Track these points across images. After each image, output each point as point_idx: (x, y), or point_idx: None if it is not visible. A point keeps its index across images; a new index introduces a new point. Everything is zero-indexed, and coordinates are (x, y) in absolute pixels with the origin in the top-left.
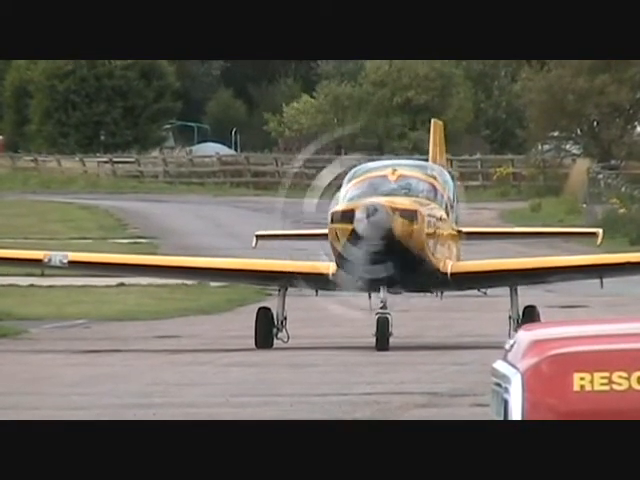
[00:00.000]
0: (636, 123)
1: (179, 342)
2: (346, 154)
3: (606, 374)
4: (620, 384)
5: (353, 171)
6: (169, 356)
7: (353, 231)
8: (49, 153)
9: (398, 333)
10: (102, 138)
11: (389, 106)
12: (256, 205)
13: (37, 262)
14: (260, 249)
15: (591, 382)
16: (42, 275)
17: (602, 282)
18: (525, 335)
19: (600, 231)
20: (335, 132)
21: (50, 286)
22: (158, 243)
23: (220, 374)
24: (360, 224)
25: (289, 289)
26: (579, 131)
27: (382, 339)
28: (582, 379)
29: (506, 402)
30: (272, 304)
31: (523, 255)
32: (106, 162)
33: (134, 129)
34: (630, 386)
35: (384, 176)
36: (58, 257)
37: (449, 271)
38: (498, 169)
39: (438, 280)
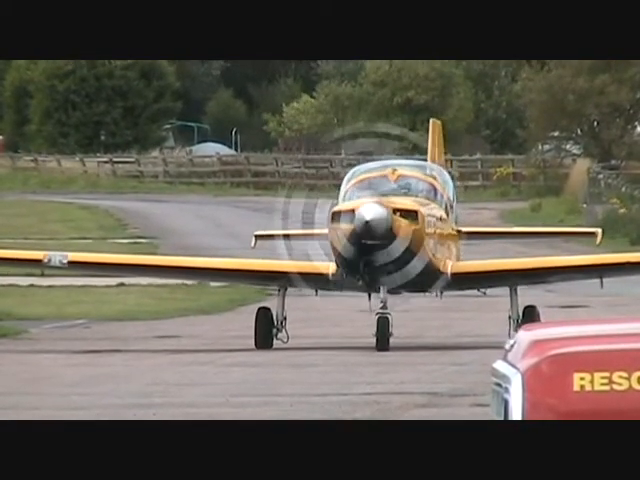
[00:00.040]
0: (636, 123)
1: (179, 342)
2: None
3: (606, 374)
4: (620, 384)
5: (353, 171)
6: (169, 356)
7: (353, 231)
8: (49, 153)
9: (398, 333)
10: (102, 138)
11: (389, 106)
12: (256, 205)
13: (37, 262)
14: (261, 249)
15: (591, 382)
16: (42, 275)
17: (602, 282)
18: (525, 335)
19: (599, 231)
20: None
21: (50, 286)
22: (158, 243)
23: (220, 374)
24: (360, 224)
25: (289, 289)
26: (579, 131)
27: (382, 339)
28: (582, 379)
29: (506, 402)
30: (272, 304)
31: (523, 255)
32: (106, 162)
33: (134, 129)
34: (630, 386)
35: (384, 176)
36: (58, 257)
37: (449, 271)
38: (498, 169)
39: (438, 280)
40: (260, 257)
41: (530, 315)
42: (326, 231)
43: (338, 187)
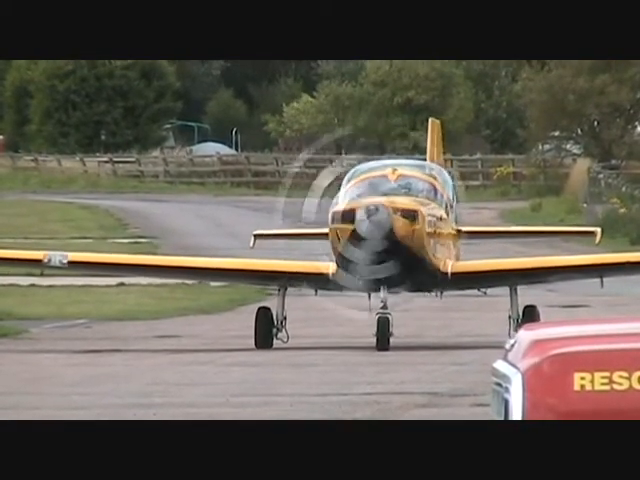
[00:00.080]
0: (636, 123)
1: (179, 342)
2: (346, 154)
3: (607, 374)
4: (621, 384)
5: (352, 171)
6: (169, 356)
7: (354, 231)
8: (49, 153)
9: (398, 333)
10: (102, 138)
11: (389, 106)
12: (256, 205)
13: (37, 262)
14: (262, 249)
15: (591, 382)
16: (41, 275)
17: (602, 282)
18: (526, 335)
19: (598, 230)
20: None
21: (50, 286)
22: (158, 243)
23: (220, 374)
24: (361, 224)
25: (290, 289)
26: (579, 131)
27: (383, 339)
28: (583, 379)
29: (507, 402)
30: (272, 304)
31: (523, 255)
32: (106, 162)
33: (134, 129)
34: (631, 386)
35: (384, 176)
36: (58, 257)
37: (449, 271)
38: (498, 169)
39: (438, 280)
40: (260, 257)
41: (530, 315)
42: (325, 230)
43: (338, 187)
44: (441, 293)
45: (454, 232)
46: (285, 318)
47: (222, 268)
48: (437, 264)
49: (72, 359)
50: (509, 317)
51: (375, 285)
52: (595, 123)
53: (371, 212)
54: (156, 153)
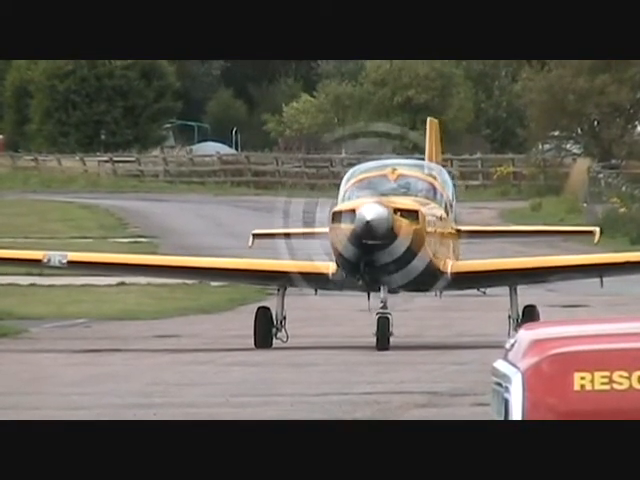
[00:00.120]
0: (636, 123)
1: (179, 342)
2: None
3: (606, 373)
4: (620, 383)
5: (352, 171)
6: (169, 355)
7: (354, 231)
8: (49, 152)
9: (398, 333)
10: (102, 137)
11: (389, 105)
12: (256, 204)
13: (36, 262)
14: (262, 249)
15: (591, 381)
16: (40, 274)
17: (602, 281)
18: (526, 334)
19: (597, 229)
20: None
21: (50, 285)
22: (158, 242)
23: (220, 374)
24: (361, 224)
25: (290, 288)
26: (579, 131)
27: (382, 339)
28: (583, 378)
29: (507, 401)
30: (272, 304)
31: (523, 255)
32: (106, 161)
33: (134, 128)
34: (631, 385)
35: (384, 175)
36: (57, 257)
37: (449, 271)
38: (499, 168)
39: (438, 280)
40: (260, 257)
41: (530, 314)
42: (324, 230)
43: (338, 186)
44: (440, 293)
45: (454, 232)
46: (284, 318)
47: (222, 268)
48: (437, 264)
49: (72, 359)
50: (509, 317)
51: (375, 285)
52: (595, 123)
53: (372, 212)
54: (156, 153)
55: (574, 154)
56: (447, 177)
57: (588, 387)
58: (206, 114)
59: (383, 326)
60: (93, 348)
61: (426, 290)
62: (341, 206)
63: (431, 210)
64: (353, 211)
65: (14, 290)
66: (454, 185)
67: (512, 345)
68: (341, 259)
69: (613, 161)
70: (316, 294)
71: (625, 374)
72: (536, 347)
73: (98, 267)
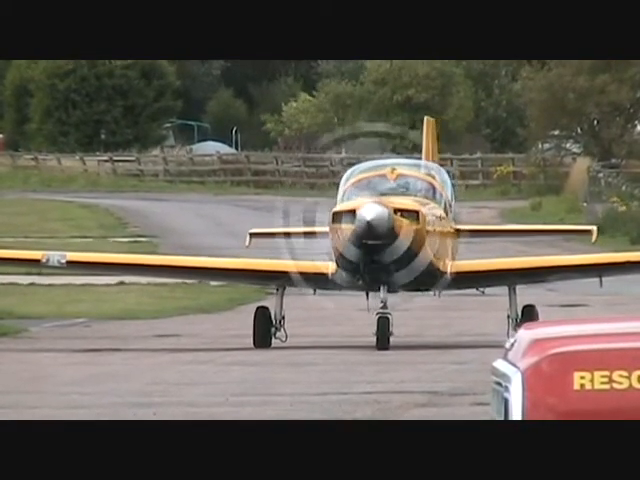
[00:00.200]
0: (636, 122)
1: (179, 341)
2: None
3: (606, 373)
4: (620, 383)
5: (351, 170)
6: (169, 355)
7: (354, 231)
8: (49, 152)
9: (398, 332)
10: (102, 137)
11: (389, 105)
12: (256, 204)
13: (35, 262)
14: (262, 249)
15: (591, 381)
16: (39, 274)
17: (601, 281)
18: (526, 334)
19: (595, 228)
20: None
21: (50, 285)
22: (158, 242)
23: (220, 373)
24: (361, 224)
25: (290, 288)
26: (579, 130)
27: (382, 338)
28: (582, 378)
29: (506, 401)
30: (271, 303)
31: (523, 254)
32: (106, 161)
33: (134, 128)
34: (630, 385)
35: (383, 175)
36: (56, 257)
37: (449, 270)
38: (498, 168)
39: (438, 279)
40: (260, 256)
41: (529, 314)
42: (322, 229)
43: (337, 186)
44: (439, 292)
45: (453, 231)
46: (283, 317)
47: (222, 268)
48: (437, 264)
49: (72, 358)
50: (508, 316)
51: (375, 285)
52: (595, 122)
53: (372, 212)
54: (156, 152)
55: (574, 153)
56: (446, 176)
57: (588, 386)
58: (206, 114)
59: (383, 326)
60: (93, 347)
61: (426, 290)
62: (341, 206)
63: (431, 210)
64: (353, 211)
65: (14, 289)
66: (453, 185)
67: (512, 345)
68: (341, 259)
69: (613, 160)
70: (315, 294)
71: (625, 373)
72: (536, 347)
73: (97, 267)
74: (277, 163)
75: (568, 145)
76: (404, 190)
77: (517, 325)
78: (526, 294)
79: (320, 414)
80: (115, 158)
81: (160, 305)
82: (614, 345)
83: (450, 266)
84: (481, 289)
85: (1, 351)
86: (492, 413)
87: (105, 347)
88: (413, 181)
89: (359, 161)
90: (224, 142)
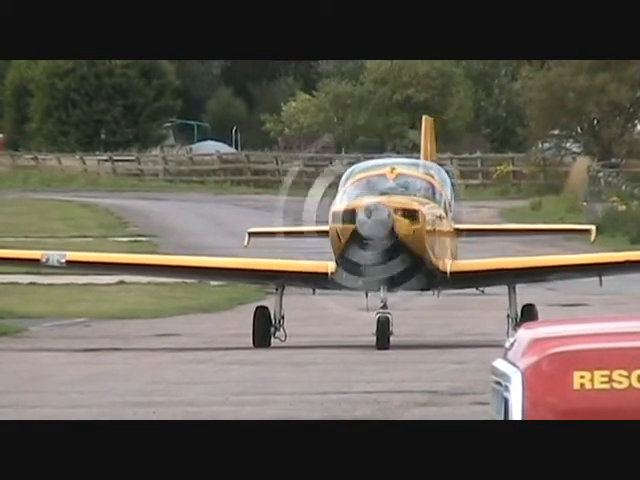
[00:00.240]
0: (636, 121)
1: (179, 340)
2: (346, 153)
3: (606, 372)
4: (620, 382)
5: (350, 170)
6: (169, 354)
7: (355, 231)
8: (49, 151)
9: (398, 332)
10: (102, 136)
11: (389, 104)
12: (256, 203)
13: (35, 262)
14: (263, 248)
15: (591, 380)
16: (38, 273)
17: (601, 280)
18: (525, 333)
19: (593, 228)
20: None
21: (51, 284)
22: (158, 242)
23: (220, 372)
24: (362, 224)
25: (289, 288)
26: (579, 129)
27: (382, 338)
28: (582, 377)
29: (506, 400)
30: (270, 303)
31: (523, 254)
32: (106, 160)
33: (134, 127)
34: (630, 384)
35: (382, 175)
36: (56, 257)
37: (448, 270)
38: (498, 167)
39: (438, 279)
40: (259, 256)
41: (529, 314)
42: (322, 228)
43: (337, 185)
44: (439, 292)
45: (453, 231)
46: (283, 317)
47: (222, 267)
48: (436, 263)
49: (72, 358)
50: (507, 316)
51: (375, 284)
52: (595, 121)
53: (372, 212)
54: (156, 152)
55: (574, 153)
56: (445, 176)
57: (588, 386)
58: (206, 113)
59: (383, 325)
60: (93, 347)
61: (426, 289)
62: (341, 206)
63: (430, 209)
64: (353, 211)
65: (14, 289)
66: (453, 184)
67: (512, 344)
68: (342, 259)
69: (613, 160)
70: (314, 293)
71: (625, 373)
72: (536, 346)
73: (97, 267)
74: (277, 163)
75: (568, 144)
76: (403, 189)
77: (517, 324)
78: (526, 293)
79: (320, 413)
80: (115, 158)
81: (160, 305)
82: (614, 344)
83: (450, 265)
84: (481, 288)
85: (1, 350)
86: (492, 412)
87: (105, 346)
88: (412, 181)
89: (359, 161)
90: (224, 142)
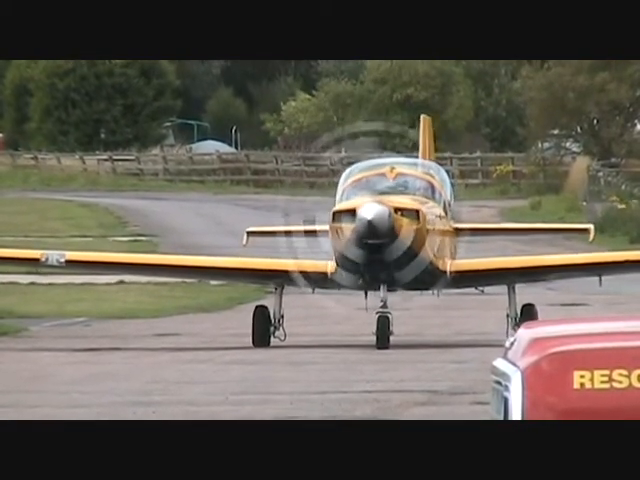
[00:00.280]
0: (636, 121)
1: (179, 340)
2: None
3: (606, 372)
4: (620, 382)
5: (349, 170)
6: (169, 354)
7: (355, 230)
8: (49, 151)
9: (398, 331)
10: (102, 136)
11: (389, 103)
12: (256, 203)
13: (34, 261)
14: (263, 248)
15: (591, 380)
16: (37, 273)
17: (601, 280)
18: (525, 333)
19: (592, 227)
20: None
21: (50, 284)
22: (158, 241)
23: (220, 372)
24: (362, 223)
25: (289, 287)
26: (579, 129)
27: (382, 338)
28: (582, 377)
29: (506, 400)
30: (270, 302)
31: (523, 253)
32: (106, 160)
33: (134, 127)
34: (630, 384)
35: (382, 174)
36: (55, 256)
37: (448, 269)
38: (498, 167)
39: (438, 279)
40: (259, 255)
41: (528, 313)
42: (321, 228)
43: (336, 185)
44: (438, 292)
45: (452, 230)
46: (282, 317)
47: (221, 267)
48: (436, 263)
49: (72, 357)
50: (507, 315)
51: (375, 284)
52: (595, 121)
53: (372, 212)
54: (156, 151)
55: (574, 152)
56: (445, 175)
57: (588, 385)
58: (206, 113)
59: (383, 325)
60: (93, 347)
61: (426, 289)
62: (341, 205)
63: (430, 209)
64: (354, 210)
65: (14, 289)
66: (452, 184)
67: (512, 344)
68: (342, 258)
69: (613, 159)
70: (313, 293)
71: (625, 372)
72: (536, 346)
73: (96, 266)
74: (277, 162)
75: (568, 144)
76: (403, 189)
77: (517, 324)
78: (526, 293)
79: (320, 413)
80: (115, 157)
81: (160, 304)
82: (614, 344)
83: (450, 265)
84: (481, 288)
85: (1, 350)
86: (492, 412)
87: (105, 346)
88: (412, 180)
89: (358, 160)
90: (224, 141)
